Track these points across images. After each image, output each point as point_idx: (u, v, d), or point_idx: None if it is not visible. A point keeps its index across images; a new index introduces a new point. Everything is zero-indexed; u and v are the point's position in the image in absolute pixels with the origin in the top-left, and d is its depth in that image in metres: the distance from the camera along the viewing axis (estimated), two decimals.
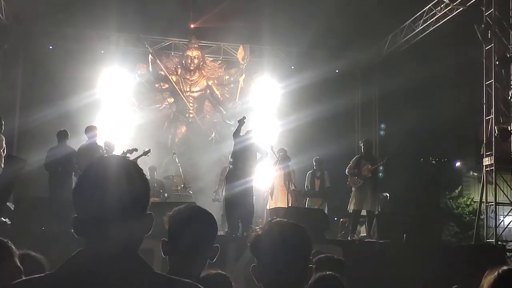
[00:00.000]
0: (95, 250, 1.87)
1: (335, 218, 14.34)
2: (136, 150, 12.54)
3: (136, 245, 1.94)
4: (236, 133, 11.52)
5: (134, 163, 2.01)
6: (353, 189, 12.45)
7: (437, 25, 15.40)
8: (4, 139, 12.19)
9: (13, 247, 2.92)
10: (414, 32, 16.40)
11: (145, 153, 12.55)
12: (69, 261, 1.90)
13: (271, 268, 2.55)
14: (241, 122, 11.59)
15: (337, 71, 18.30)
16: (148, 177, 10.97)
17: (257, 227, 2.72)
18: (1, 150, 11.96)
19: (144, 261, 1.92)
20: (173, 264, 2.98)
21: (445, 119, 15.80)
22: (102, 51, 17.58)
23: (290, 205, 12.99)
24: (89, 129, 12.59)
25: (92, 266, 1.85)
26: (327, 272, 3.91)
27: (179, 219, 3.02)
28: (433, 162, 12.93)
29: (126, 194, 1.89)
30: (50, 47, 17.00)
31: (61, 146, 12.30)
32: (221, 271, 3.18)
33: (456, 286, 5.94)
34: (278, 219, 2.73)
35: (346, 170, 12.52)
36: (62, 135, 12.43)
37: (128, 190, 1.91)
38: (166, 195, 14.91)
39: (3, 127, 12.14)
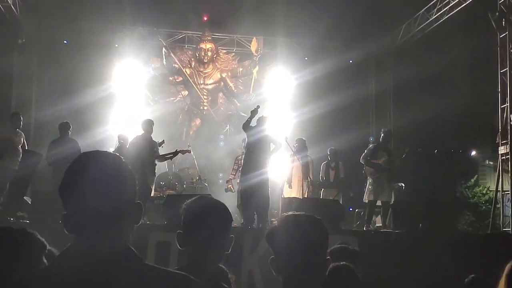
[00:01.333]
0: (86, 245, 1.88)
1: (350, 209, 14.32)
2: (163, 142, 12.60)
3: (127, 237, 1.95)
4: (246, 124, 11.44)
5: (117, 156, 2.02)
6: (368, 179, 12.40)
7: (451, 13, 15.32)
8: (23, 135, 12.30)
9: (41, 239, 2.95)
10: (428, 21, 16.31)
11: (183, 151, 12.57)
12: (61, 257, 1.92)
13: (289, 260, 2.57)
14: (254, 112, 11.55)
15: (350, 61, 18.26)
16: (166, 169, 11.08)
17: (273, 219, 2.75)
18: (19, 146, 12.06)
19: (135, 254, 1.92)
20: (190, 256, 3.00)
21: (460, 108, 15.72)
22: (116, 45, 17.64)
23: (306, 196, 12.99)
24: (146, 123, 12.50)
25: (85, 261, 1.85)
26: (341, 263, 3.93)
27: (193, 211, 3.04)
28: (436, 152, 12.82)
29: (114, 188, 1.91)
30: (65, 42, 17.09)
31: (65, 139, 12.40)
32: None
33: (472, 275, 5.93)
34: (293, 212, 2.74)
35: (361, 158, 12.45)
36: (65, 128, 12.53)
37: (116, 183, 1.92)
38: (184, 185, 14.99)
39: (21, 123, 12.25)
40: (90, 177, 1.90)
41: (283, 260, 2.60)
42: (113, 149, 13.61)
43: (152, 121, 12.61)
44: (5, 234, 2.72)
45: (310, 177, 13.59)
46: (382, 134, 12.73)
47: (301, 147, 13.63)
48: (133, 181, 2.00)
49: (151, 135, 12.37)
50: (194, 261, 2.96)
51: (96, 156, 1.98)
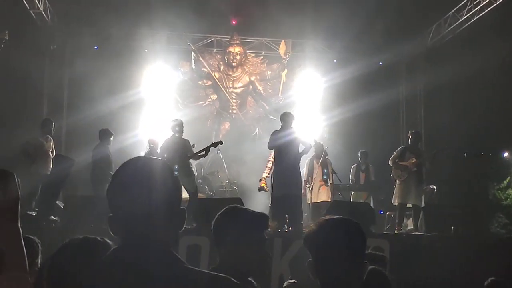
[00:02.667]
0: (132, 248, 1.92)
1: (381, 212, 14.21)
2: (221, 143, 12.66)
3: (170, 242, 1.98)
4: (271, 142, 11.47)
5: (164, 162, 2.06)
6: (396, 182, 12.29)
7: (482, 14, 15.14)
8: (52, 140, 12.46)
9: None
10: (459, 21, 16.13)
11: (215, 144, 12.56)
12: (105, 260, 1.96)
13: (327, 264, 2.57)
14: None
15: (380, 63, 18.13)
16: (195, 173, 11.07)
17: (310, 223, 2.77)
18: (50, 152, 12.23)
19: (178, 258, 1.95)
20: (221, 257, 3.11)
21: (492, 109, 15.51)
22: (146, 50, 17.77)
23: (328, 199, 13.01)
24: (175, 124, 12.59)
25: (131, 265, 1.89)
26: (372, 266, 3.92)
27: (221, 220, 3.15)
28: (465, 154, 12.68)
29: (160, 192, 1.95)
30: (95, 47, 17.25)
31: (101, 145, 12.57)
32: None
33: (492, 278, 5.87)
34: (331, 215, 2.75)
35: (389, 160, 12.36)
36: (102, 134, 12.69)
37: (162, 188, 1.97)
38: (214, 189, 15.05)
39: (53, 130, 12.43)
40: (135, 181, 1.95)
41: (322, 263, 2.60)
42: (144, 154, 13.70)
43: (181, 121, 12.65)
44: (83, 245, 2.77)
45: (330, 180, 13.55)
46: (410, 136, 12.61)
47: (320, 150, 13.56)
48: (178, 187, 2.06)
49: (182, 136, 12.41)
50: (224, 261, 3.04)
51: (143, 162, 2.05)
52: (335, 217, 2.73)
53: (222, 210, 3.20)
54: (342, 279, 2.57)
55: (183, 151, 12.07)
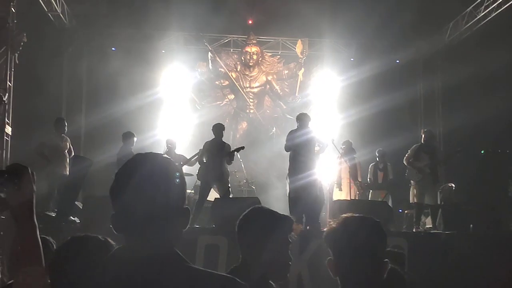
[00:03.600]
0: (135, 247, 1.92)
1: (400, 210, 14.16)
2: (243, 148, 12.71)
3: (174, 241, 1.98)
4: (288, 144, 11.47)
5: (169, 160, 2.05)
6: (412, 182, 12.26)
7: (499, 10, 15.01)
8: (69, 140, 12.56)
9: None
10: (476, 18, 16.01)
11: (238, 149, 12.62)
12: (108, 259, 1.97)
13: (348, 262, 2.58)
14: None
15: (397, 61, 18.05)
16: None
17: (330, 220, 2.77)
18: (66, 151, 12.32)
19: (181, 257, 1.95)
20: (242, 256, 3.13)
21: (510, 107, 15.37)
22: (163, 51, 17.84)
23: (354, 197, 12.94)
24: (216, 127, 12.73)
25: (134, 264, 1.89)
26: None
27: (245, 221, 3.17)
28: (482, 152, 12.55)
29: (162, 191, 1.94)
30: (113, 48, 17.34)
31: (125, 146, 12.65)
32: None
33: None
34: (352, 214, 2.76)
35: (404, 160, 12.31)
36: (125, 136, 12.77)
37: (164, 187, 1.95)
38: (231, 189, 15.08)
39: (66, 128, 12.51)
40: (139, 178, 1.93)
41: (342, 261, 2.61)
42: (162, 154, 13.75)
43: (222, 124, 12.79)
44: (84, 243, 2.79)
45: (359, 179, 13.55)
46: (423, 135, 12.54)
47: (348, 149, 13.59)
48: (182, 185, 2.03)
49: (222, 139, 12.53)
50: (245, 261, 3.06)
51: (146, 159, 2.02)
52: (356, 215, 2.74)
53: (248, 210, 3.20)
54: (363, 277, 2.58)
55: (221, 155, 12.20)
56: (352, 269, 2.59)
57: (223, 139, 12.73)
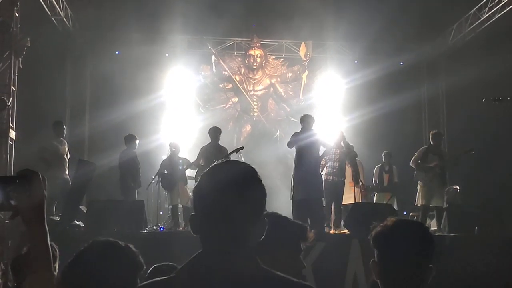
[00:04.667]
0: (212, 250, 1.96)
1: (405, 213, 14.12)
2: (242, 148, 12.72)
3: (251, 248, 2.00)
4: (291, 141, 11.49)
5: (254, 169, 2.07)
6: (419, 183, 12.21)
7: (503, 11, 14.95)
8: (66, 143, 12.60)
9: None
10: (480, 20, 15.95)
11: (237, 150, 12.63)
12: (190, 262, 1.99)
13: (394, 266, 2.57)
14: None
15: (401, 63, 18.02)
16: None
17: (375, 222, 2.77)
18: (65, 155, 12.35)
19: (259, 263, 1.99)
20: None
21: None
22: (167, 54, 17.83)
23: (358, 200, 12.90)
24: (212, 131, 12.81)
25: (211, 267, 1.93)
26: None
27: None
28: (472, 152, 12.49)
29: (246, 198, 1.97)
30: (117, 52, 17.35)
31: (127, 149, 12.64)
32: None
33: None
34: (399, 218, 2.77)
35: (411, 162, 12.26)
36: (128, 140, 12.77)
37: (249, 194, 1.99)
38: None
39: (65, 132, 12.55)
40: (225, 183, 1.97)
41: (386, 265, 2.59)
42: (165, 157, 13.76)
43: (218, 128, 12.83)
44: (106, 247, 2.77)
45: (361, 181, 13.48)
46: (432, 137, 12.51)
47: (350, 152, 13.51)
48: (263, 193, 2.07)
49: (218, 142, 12.57)
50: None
51: (233, 165, 2.08)
52: (405, 219, 2.75)
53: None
54: (407, 282, 2.58)
55: (219, 158, 12.18)
56: (397, 273, 2.59)
57: (222, 142, 12.79)
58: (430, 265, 2.63)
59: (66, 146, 12.56)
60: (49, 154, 12.15)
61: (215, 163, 2.08)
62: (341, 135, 12.69)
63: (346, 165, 13.07)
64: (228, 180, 1.96)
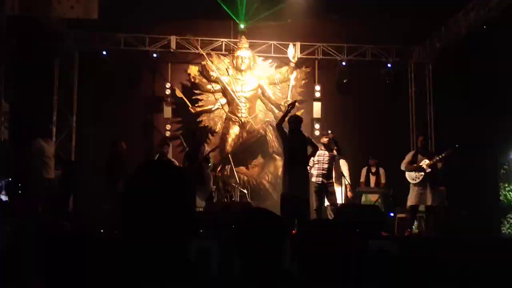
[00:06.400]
0: (146, 251, 1.93)
1: (391, 214, 14.20)
2: (216, 148, 12.72)
3: (183, 246, 1.99)
4: (281, 123, 11.57)
5: (179, 167, 2.06)
6: (411, 185, 12.30)
7: (491, 14, 14.97)
8: (53, 144, 12.60)
9: None
10: (467, 22, 15.93)
11: (213, 150, 12.66)
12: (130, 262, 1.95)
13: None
14: (292, 106, 11.73)
15: (389, 65, 18.07)
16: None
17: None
18: (52, 156, 12.34)
19: (192, 264, 1.98)
20: (244, 266, 3.00)
21: (504, 113, 15.41)
22: (155, 55, 17.76)
23: (344, 199, 13.01)
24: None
25: (139, 267, 1.90)
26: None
27: (245, 224, 3.06)
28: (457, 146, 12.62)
29: (176, 198, 1.93)
30: (104, 53, 17.28)
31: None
32: None
33: None
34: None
35: (402, 165, 12.38)
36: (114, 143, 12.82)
37: (178, 194, 1.96)
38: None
39: (53, 132, 12.55)
40: (150, 185, 1.95)
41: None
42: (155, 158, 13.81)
43: (195, 131, 12.91)
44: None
45: (346, 182, 13.53)
46: (419, 140, 12.68)
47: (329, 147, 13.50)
48: (191, 194, 2.05)
49: (198, 144, 12.66)
50: (250, 273, 2.95)
51: (156, 166, 2.08)
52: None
53: (251, 215, 3.15)
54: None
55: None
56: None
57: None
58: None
59: (53, 148, 12.55)
60: (35, 154, 12.16)
61: (139, 167, 2.06)
62: (330, 137, 12.75)
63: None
64: (155, 182, 1.95)
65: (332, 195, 12.48)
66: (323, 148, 12.58)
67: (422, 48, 18.23)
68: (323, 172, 12.43)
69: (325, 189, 12.37)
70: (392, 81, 17.90)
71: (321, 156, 12.46)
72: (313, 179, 12.33)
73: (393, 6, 15.50)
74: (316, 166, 12.48)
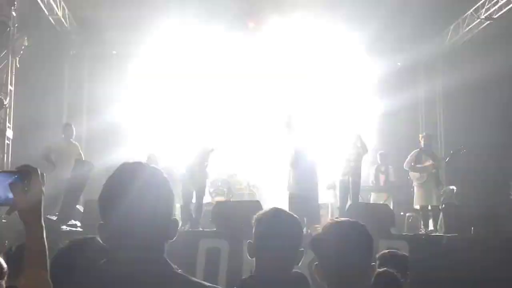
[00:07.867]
0: (123, 256, 1.91)
1: (401, 213, 14.16)
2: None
3: (162, 249, 1.97)
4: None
5: (158, 170, 2.04)
6: (415, 185, 12.28)
7: (500, 12, 14.91)
8: (78, 145, 12.65)
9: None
10: (477, 21, 15.88)
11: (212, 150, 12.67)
12: (100, 271, 1.96)
13: (333, 267, 2.56)
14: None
15: (398, 64, 18.00)
16: (215, 176, 11.23)
17: (317, 226, 2.77)
18: (73, 157, 12.34)
19: (170, 265, 1.94)
20: (259, 266, 2.99)
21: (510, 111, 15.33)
22: None
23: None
24: None
25: (122, 272, 1.89)
26: (384, 269, 3.90)
27: (265, 222, 3.02)
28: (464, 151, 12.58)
29: (155, 201, 1.93)
30: (114, 52, 17.31)
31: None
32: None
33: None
34: (336, 218, 2.75)
35: (405, 165, 12.37)
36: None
37: (157, 196, 1.95)
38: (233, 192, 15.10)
39: (74, 133, 12.59)
40: (130, 189, 1.91)
41: (327, 267, 2.59)
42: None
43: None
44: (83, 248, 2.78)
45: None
46: (423, 139, 12.64)
47: None
48: (170, 196, 2.02)
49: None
50: (262, 271, 2.95)
51: (135, 168, 2.01)
52: (339, 219, 2.72)
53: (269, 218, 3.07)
54: (348, 282, 2.56)
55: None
56: (337, 274, 2.57)
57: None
58: (372, 263, 2.64)
59: (77, 148, 12.66)
60: (54, 154, 12.20)
61: (117, 169, 2.03)
62: (357, 136, 12.63)
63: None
64: (131, 185, 1.92)
65: (355, 193, 12.44)
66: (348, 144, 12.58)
67: (433, 46, 18.16)
68: (349, 169, 12.40)
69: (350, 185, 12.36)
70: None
71: (346, 154, 12.45)
72: (340, 177, 12.42)
73: (403, 4, 15.44)
74: (344, 163, 12.47)
